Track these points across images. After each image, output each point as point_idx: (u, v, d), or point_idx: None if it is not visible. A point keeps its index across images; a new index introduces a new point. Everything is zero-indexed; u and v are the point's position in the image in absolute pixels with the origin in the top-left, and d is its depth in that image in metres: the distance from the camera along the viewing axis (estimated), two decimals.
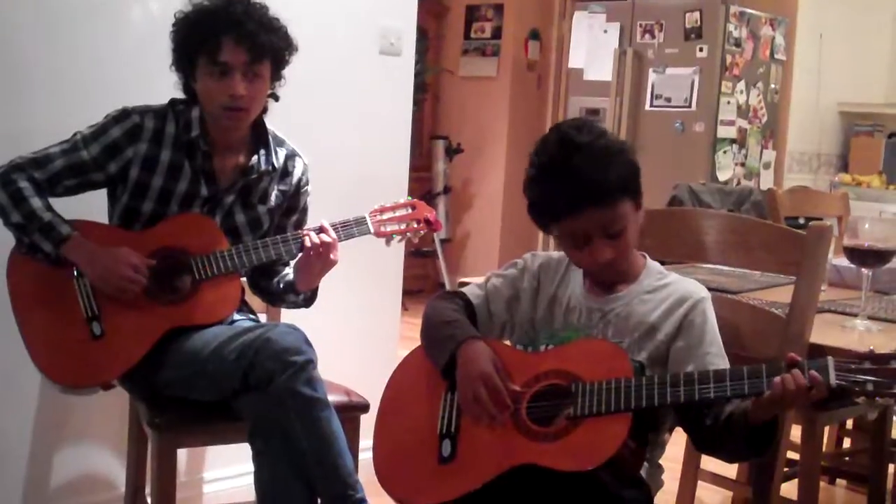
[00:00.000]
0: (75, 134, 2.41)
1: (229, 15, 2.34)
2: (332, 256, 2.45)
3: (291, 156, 2.58)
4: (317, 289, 2.59)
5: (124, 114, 2.41)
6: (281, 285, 2.59)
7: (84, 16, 2.74)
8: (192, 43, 2.36)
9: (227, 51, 2.33)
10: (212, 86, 2.36)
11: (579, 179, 1.79)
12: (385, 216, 2.59)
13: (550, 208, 1.85)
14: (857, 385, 1.58)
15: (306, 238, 2.44)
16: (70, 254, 2.32)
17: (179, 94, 2.48)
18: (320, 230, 2.46)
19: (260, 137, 2.52)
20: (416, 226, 2.61)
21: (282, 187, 2.56)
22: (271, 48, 2.39)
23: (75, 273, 2.35)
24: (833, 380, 1.59)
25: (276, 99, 2.52)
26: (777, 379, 1.61)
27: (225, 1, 2.37)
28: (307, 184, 2.62)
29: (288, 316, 2.68)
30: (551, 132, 1.89)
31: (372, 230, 2.55)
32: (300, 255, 2.48)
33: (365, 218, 2.55)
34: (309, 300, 2.60)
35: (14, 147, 2.41)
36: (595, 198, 1.80)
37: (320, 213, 2.63)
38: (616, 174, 1.82)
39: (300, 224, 2.62)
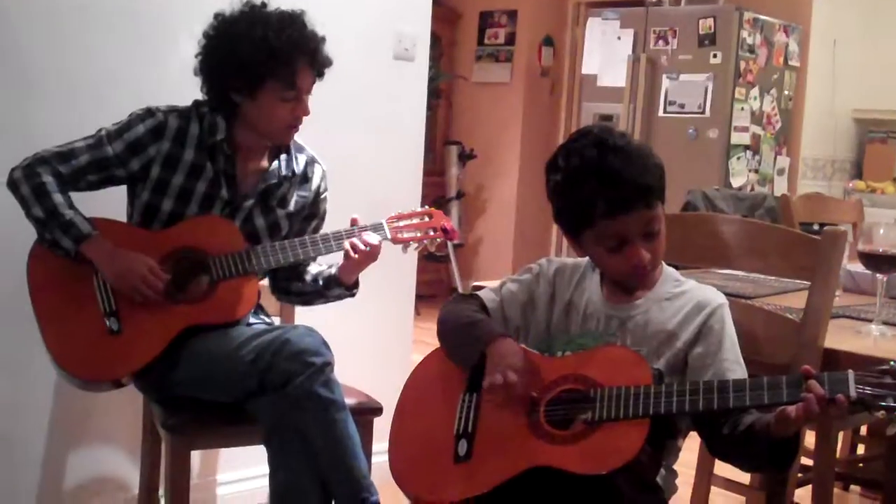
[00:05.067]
0: (100, 130, 2.44)
1: (308, 42, 2.43)
2: (375, 253, 2.51)
3: (311, 162, 2.62)
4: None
5: (149, 112, 2.44)
6: (321, 282, 2.61)
7: (97, 20, 2.75)
8: (269, 67, 2.38)
9: (302, 76, 2.42)
10: (280, 107, 2.43)
11: (621, 181, 1.79)
12: (402, 223, 2.60)
13: (587, 212, 1.82)
14: (877, 399, 1.57)
15: (347, 244, 2.48)
16: (89, 252, 2.34)
17: (198, 97, 2.50)
18: (357, 229, 2.50)
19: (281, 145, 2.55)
20: (432, 234, 2.62)
21: (301, 193, 2.59)
22: (328, 68, 2.50)
23: (94, 268, 2.37)
24: (853, 393, 1.58)
25: None
26: (800, 406, 1.60)
27: (299, 28, 2.43)
28: (325, 190, 2.65)
29: (302, 319, 2.69)
30: (581, 136, 1.88)
31: (389, 236, 2.57)
32: (344, 259, 2.52)
33: (382, 224, 2.57)
34: (353, 287, 2.62)
35: (29, 148, 2.43)
36: (639, 199, 1.80)
37: (333, 216, 2.66)
38: (654, 175, 1.83)
39: (318, 230, 2.65)
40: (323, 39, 2.47)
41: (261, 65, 2.38)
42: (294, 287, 2.65)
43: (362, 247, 2.47)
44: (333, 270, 2.59)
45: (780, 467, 1.77)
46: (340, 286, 2.59)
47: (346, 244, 2.48)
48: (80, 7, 2.72)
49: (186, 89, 2.50)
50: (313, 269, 2.64)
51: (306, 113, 2.47)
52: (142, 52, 2.84)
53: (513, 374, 1.79)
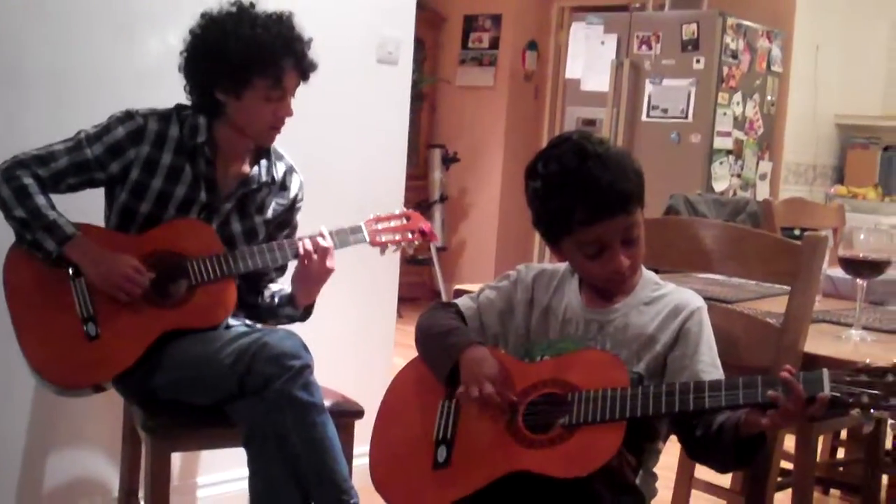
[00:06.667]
0: (79, 132, 2.43)
1: (295, 42, 2.42)
2: (328, 264, 2.46)
3: (290, 171, 2.61)
4: (314, 303, 2.59)
5: (128, 115, 2.43)
6: (276, 300, 2.58)
7: (86, 19, 2.75)
8: (257, 65, 2.37)
9: (288, 76, 2.41)
10: (264, 107, 2.41)
11: (600, 187, 1.79)
12: (380, 226, 2.60)
13: (565, 219, 1.82)
14: (851, 397, 1.58)
15: (300, 244, 2.45)
16: (72, 253, 2.33)
17: (182, 100, 2.49)
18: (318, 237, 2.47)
19: (262, 149, 2.54)
20: (410, 236, 2.62)
21: (280, 200, 2.59)
22: (313, 72, 2.49)
23: (71, 273, 2.35)
24: (828, 391, 1.59)
25: None
26: (777, 393, 1.61)
27: (287, 28, 2.43)
28: (301, 200, 2.65)
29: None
30: (560, 143, 1.88)
31: (367, 239, 2.56)
32: (297, 266, 2.49)
33: (361, 226, 2.56)
34: (306, 312, 2.60)
35: (15, 146, 2.41)
36: (618, 206, 1.80)
37: (316, 219, 2.64)
38: (633, 181, 1.83)
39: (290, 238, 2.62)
40: (310, 41, 2.47)
41: (249, 63, 2.37)
42: (250, 300, 2.60)
43: (309, 246, 2.44)
44: (289, 290, 2.56)
45: (746, 463, 1.78)
46: (293, 306, 2.55)
47: (300, 245, 2.46)
48: (67, 7, 2.71)
49: (176, 90, 2.50)
50: (274, 287, 2.61)
51: (289, 114, 2.46)
52: (128, 50, 2.83)
53: (489, 386, 1.80)
